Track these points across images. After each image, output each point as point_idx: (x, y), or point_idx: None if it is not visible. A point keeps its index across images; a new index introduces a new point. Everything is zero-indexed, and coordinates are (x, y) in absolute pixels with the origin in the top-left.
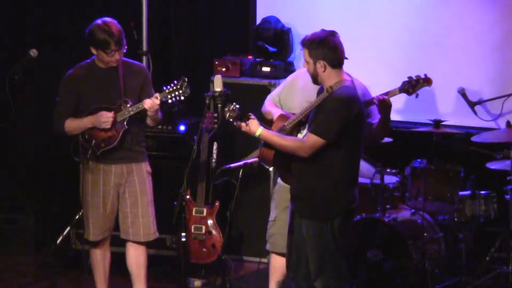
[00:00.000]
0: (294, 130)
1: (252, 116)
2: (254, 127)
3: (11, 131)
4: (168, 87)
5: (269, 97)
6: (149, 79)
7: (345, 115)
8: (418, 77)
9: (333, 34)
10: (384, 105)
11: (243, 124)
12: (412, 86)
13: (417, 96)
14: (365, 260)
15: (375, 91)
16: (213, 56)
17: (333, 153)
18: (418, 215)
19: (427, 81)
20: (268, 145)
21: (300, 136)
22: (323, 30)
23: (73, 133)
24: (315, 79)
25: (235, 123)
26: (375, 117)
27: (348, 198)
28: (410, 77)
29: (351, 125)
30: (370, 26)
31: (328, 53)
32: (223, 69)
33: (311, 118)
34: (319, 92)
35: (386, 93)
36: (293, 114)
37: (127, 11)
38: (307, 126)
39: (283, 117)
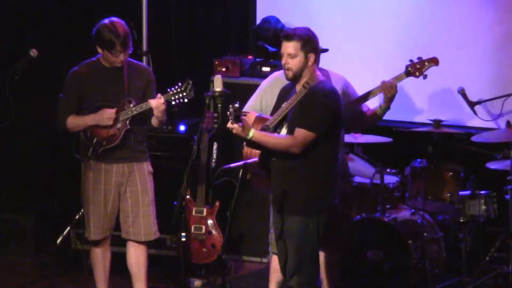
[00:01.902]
0: (275, 129)
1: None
2: (247, 128)
3: (11, 131)
4: (173, 89)
5: (246, 106)
6: (153, 81)
7: (332, 108)
8: (420, 58)
9: None
10: (392, 91)
11: (236, 126)
12: (417, 69)
13: (424, 77)
14: (365, 260)
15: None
16: (213, 56)
17: (320, 147)
18: (418, 215)
19: (433, 60)
20: (252, 145)
21: None
22: (304, 27)
23: (75, 130)
24: (299, 74)
25: (230, 124)
26: (363, 106)
27: (333, 193)
28: (411, 60)
29: (336, 118)
30: (370, 26)
31: (317, 47)
32: (223, 69)
33: (292, 116)
34: (286, 89)
35: (393, 79)
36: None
37: (127, 11)
38: (285, 125)
39: (260, 119)
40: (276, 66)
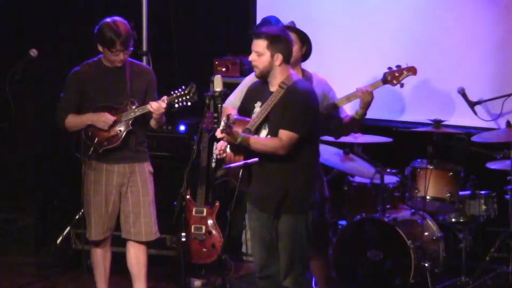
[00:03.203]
0: (256, 132)
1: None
2: (236, 134)
3: (11, 131)
4: (176, 92)
5: (227, 101)
6: (154, 82)
7: (313, 107)
8: (399, 67)
9: (289, 29)
10: (368, 97)
11: (225, 135)
12: (395, 77)
13: (401, 86)
14: (365, 260)
15: (375, 91)
16: (213, 56)
17: (302, 147)
18: (418, 215)
19: (411, 70)
20: (235, 149)
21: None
22: (279, 26)
23: (73, 129)
24: (266, 73)
25: (219, 133)
26: (342, 112)
27: (318, 190)
28: (390, 68)
29: (316, 117)
30: (370, 26)
31: (286, 48)
32: (223, 69)
33: (273, 117)
34: (256, 88)
35: (369, 86)
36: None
37: (127, 11)
38: (264, 126)
39: (240, 121)
40: None
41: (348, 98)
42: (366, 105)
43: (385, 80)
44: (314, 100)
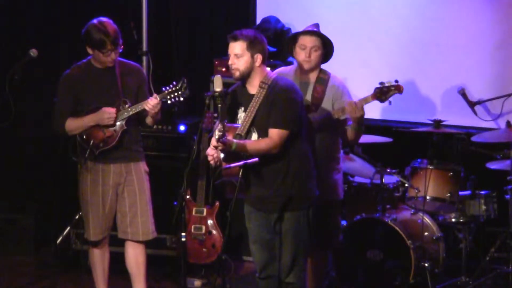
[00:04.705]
0: (246, 136)
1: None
2: (230, 142)
3: (11, 131)
4: (168, 88)
5: None
6: (145, 79)
7: (297, 102)
8: (389, 83)
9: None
10: (357, 113)
11: (220, 144)
12: (384, 93)
13: (390, 103)
14: (365, 260)
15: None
16: (213, 56)
17: (297, 143)
18: (418, 215)
19: (397, 88)
20: (229, 158)
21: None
22: (251, 29)
23: (74, 133)
24: (246, 74)
25: (215, 142)
26: (350, 121)
27: (315, 186)
28: (382, 83)
29: (301, 110)
30: (370, 26)
31: (264, 48)
32: (223, 69)
33: (260, 118)
34: (237, 93)
35: (360, 100)
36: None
37: (127, 11)
38: (253, 129)
39: (229, 128)
40: (276, 66)
41: (343, 111)
42: (356, 120)
43: (374, 96)
44: (297, 94)
